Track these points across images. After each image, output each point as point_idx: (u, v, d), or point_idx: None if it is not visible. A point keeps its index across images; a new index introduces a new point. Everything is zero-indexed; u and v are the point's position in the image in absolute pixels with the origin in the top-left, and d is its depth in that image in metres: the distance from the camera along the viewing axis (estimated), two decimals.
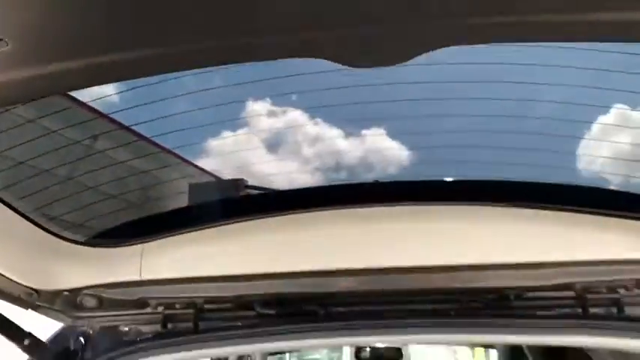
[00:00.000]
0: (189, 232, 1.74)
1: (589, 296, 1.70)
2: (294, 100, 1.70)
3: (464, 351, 6.99)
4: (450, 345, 4.82)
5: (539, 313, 1.73)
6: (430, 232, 1.69)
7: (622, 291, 1.71)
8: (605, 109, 1.64)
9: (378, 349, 4.72)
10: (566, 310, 1.74)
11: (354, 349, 5.14)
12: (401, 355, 5.06)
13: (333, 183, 1.87)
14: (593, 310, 1.70)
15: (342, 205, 1.71)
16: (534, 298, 1.75)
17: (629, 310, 1.70)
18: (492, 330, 1.72)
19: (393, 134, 1.76)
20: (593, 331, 1.67)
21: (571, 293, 1.73)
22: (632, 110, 1.65)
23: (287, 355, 6.72)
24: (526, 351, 3.90)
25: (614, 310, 1.71)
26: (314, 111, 1.69)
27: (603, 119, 1.66)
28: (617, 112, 1.65)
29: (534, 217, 1.66)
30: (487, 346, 5.36)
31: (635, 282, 1.68)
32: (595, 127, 1.68)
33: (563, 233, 1.65)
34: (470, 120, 1.74)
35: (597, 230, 1.63)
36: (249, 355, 4.44)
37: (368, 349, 4.88)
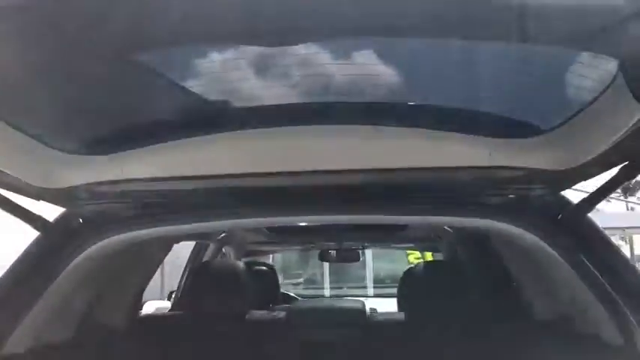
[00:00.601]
0: (161, 142, 2.22)
1: (457, 191, 2.29)
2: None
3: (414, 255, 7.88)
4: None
5: (420, 202, 2.32)
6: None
7: (485, 190, 2.29)
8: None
9: (338, 250, 5.39)
10: (441, 199, 2.33)
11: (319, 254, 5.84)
12: (358, 256, 5.75)
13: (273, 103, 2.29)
14: (458, 200, 2.30)
15: (277, 124, 2.21)
16: (418, 191, 2.33)
17: (484, 199, 2.31)
18: (388, 212, 2.31)
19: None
20: (458, 212, 2.26)
21: (447, 187, 2.31)
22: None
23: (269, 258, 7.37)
24: (461, 254, 4.57)
25: (476, 198, 2.31)
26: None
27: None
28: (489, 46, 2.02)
29: (420, 134, 2.13)
30: (431, 250, 6.08)
31: (495, 181, 2.23)
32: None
33: (438, 146, 2.10)
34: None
35: (463, 144, 2.09)
36: (224, 253, 5.11)
37: (332, 252, 5.56)
